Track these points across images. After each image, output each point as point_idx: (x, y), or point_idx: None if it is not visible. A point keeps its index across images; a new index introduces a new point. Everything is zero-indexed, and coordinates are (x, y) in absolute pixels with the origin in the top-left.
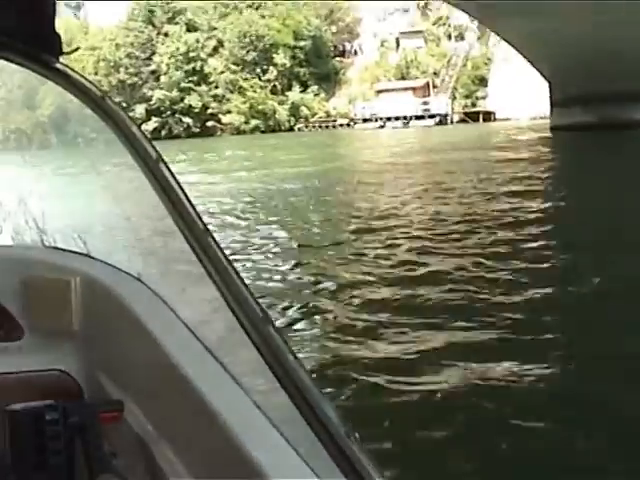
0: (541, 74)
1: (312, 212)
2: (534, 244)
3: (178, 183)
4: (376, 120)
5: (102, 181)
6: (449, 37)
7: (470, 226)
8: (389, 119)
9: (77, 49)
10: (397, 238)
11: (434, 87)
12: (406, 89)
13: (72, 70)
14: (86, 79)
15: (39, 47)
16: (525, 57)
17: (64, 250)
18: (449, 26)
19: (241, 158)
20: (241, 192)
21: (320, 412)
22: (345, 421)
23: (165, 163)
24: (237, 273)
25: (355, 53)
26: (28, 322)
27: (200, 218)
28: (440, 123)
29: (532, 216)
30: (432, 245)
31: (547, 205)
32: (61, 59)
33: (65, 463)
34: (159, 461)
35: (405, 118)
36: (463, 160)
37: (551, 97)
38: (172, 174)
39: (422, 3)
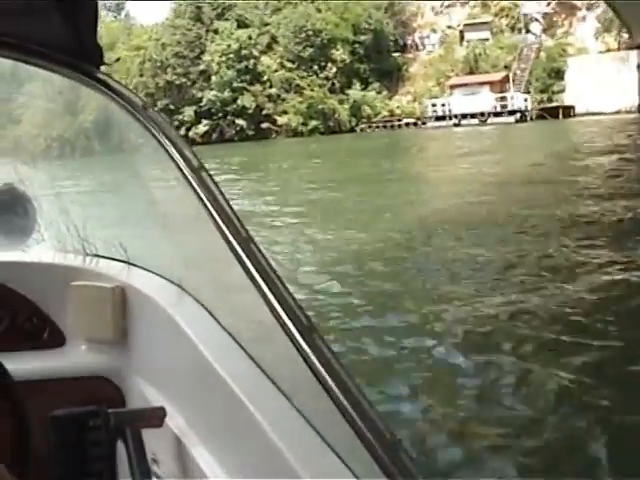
0: None
1: None
2: None
3: (221, 192)
4: (450, 118)
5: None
6: (512, 29)
7: None
8: (464, 116)
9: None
10: None
11: (513, 81)
12: (482, 84)
13: (113, 79)
14: (127, 88)
15: (80, 57)
16: None
17: (105, 257)
18: (512, 17)
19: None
20: None
21: (365, 420)
22: (388, 424)
23: (207, 172)
24: (281, 281)
25: (417, 47)
26: (70, 329)
27: (244, 227)
28: (520, 120)
29: None
30: None
31: None
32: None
33: (107, 469)
34: (201, 467)
35: (482, 115)
36: None
37: None
38: (215, 183)
39: None
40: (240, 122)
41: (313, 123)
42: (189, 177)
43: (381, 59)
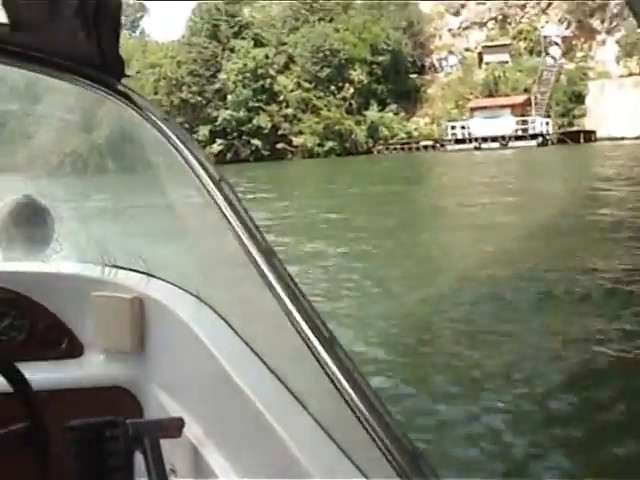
0: None
1: None
2: None
3: (242, 204)
4: (470, 141)
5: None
6: (531, 52)
7: None
8: (485, 140)
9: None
10: None
11: (536, 104)
12: (503, 107)
13: (133, 91)
14: (147, 100)
15: (102, 69)
16: None
17: (124, 268)
18: (531, 40)
19: None
20: None
21: (384, 430)
22: (405, 429)
23: (229, 184)
24: (302, 293)
25: (435, 69)
26: (89, 339)
27: (264, 239)
28: (541, 144)
29: None
30: None
31: None
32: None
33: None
34: (219, 477)
35: (503, 138)
36: None
37: None
38: (236, 195)
39: (500, 16)
40: (255, 142)
41: (329, 144)
42: (210, 189)
43: (399, 80)
